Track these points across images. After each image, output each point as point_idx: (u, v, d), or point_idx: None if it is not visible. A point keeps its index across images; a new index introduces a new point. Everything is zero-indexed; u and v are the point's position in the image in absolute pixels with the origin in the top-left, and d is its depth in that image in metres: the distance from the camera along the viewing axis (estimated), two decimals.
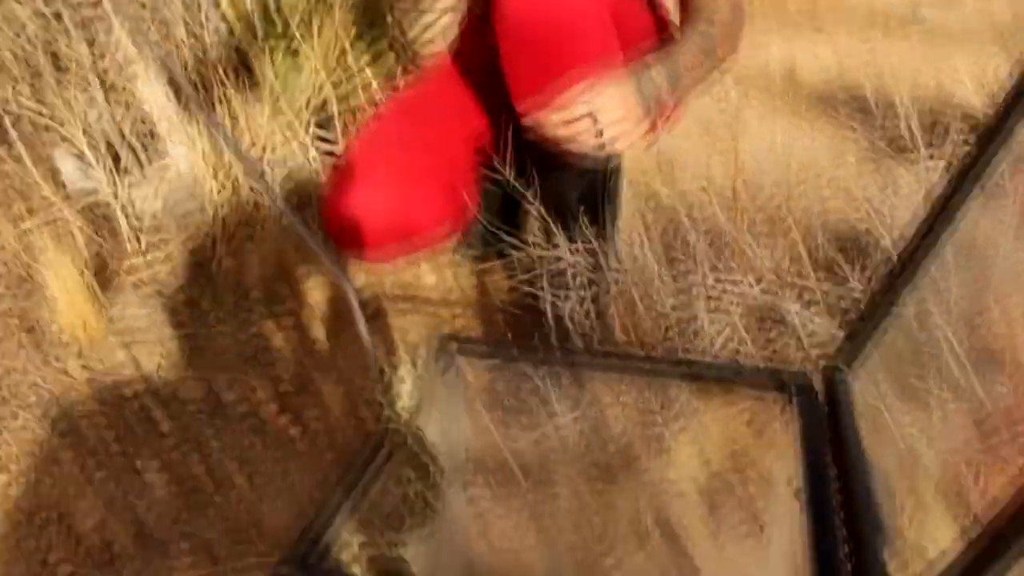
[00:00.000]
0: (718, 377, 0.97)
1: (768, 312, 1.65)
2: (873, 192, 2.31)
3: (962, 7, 4.52)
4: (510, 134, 1.46)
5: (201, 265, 2.12)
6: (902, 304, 0.97)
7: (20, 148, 2.27)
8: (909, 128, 2.16)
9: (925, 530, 1.30)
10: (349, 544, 0.72)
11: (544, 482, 1.35)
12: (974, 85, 3.07)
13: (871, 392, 1.05)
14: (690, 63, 1.41)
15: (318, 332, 1.94)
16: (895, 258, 0.98)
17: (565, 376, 1.22)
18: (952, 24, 4.15)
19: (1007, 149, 0.80)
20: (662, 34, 1.57)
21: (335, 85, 2.32)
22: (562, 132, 1.30)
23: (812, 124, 2.98)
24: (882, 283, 0.94)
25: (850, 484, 0.75)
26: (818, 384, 0.95)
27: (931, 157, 2.12)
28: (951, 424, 1.32)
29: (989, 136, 0.79)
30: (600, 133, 1.29)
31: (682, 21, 1.51)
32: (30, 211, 2.15)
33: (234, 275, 2.10)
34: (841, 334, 1.51)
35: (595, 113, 1.27)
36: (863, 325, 0.96)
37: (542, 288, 1.50)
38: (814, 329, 1.47)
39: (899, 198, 2.11)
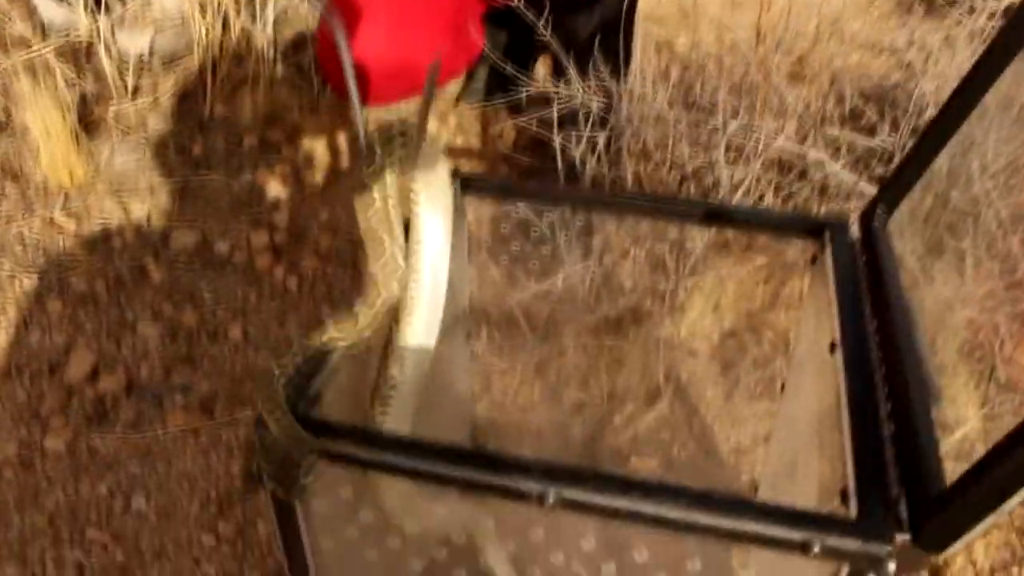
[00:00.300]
0: (748, 223, 0.89)
1: (789, 165, 1.56)
2: (902, 45, 2.17)
3: None
4: None
5: (191, 110, 2.01)
6: (942, 157, 0.89)
7: None
8: None
9: (950, 391, 1.24)
10: (341, 391, 0.66)
11: (551, 335, 1.29)
12: None
13: (908, 245, 0.97)
14: None
15: (314, 180, 1.85)
16: (934, 110, 0.89)
17: (575, 223, 1.14)
18: None
19: None
20: None
21: None
22: None
23: None
24: (923, 134, 0.84)
25: (892, 337, 0.68)
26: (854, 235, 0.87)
27: (971, 11, 1.99)
28: (984, 283, 1.25)
29: None
30: None
31: None
32: (5, 51, 2.02)
33: (226, 121, 1.99)
34: (868, 187, 1.42)
35: None
36: (902, 175, 0.87)
37: (553, 130, 1.39)
38: (841, 180, 1.38)
39: (933, 53, 1.98)
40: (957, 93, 0.80)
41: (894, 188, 0.87)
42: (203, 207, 1.78)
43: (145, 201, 1.78)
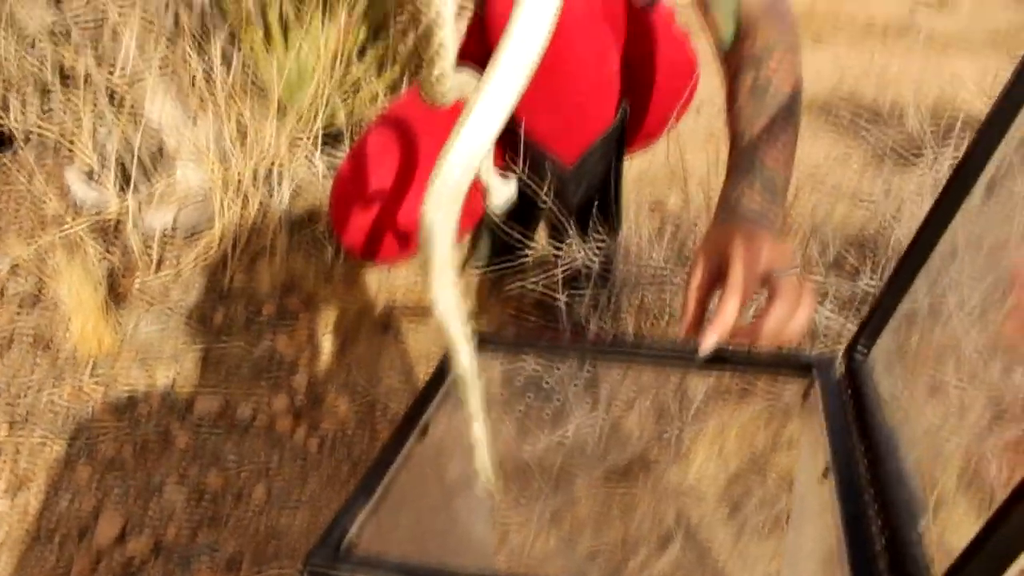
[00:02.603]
0: (742, 364, 0.97)
1: None
2: (879, 195, 2.32)
3: (958, 13, 4.56)
4: (520, 136, 1.47)
5: (213, 281, 2.13)
6: (916, 292, 0.98)
7: (31, 165, 2.28)
8: (919, 128, 2.16)
9: (949, 523, 1.30)
10: (386, 529, 0.72)
11: (564, 485, 1.35)
12: (976, 89, 3.09)
13: (890, 379, 1.05)
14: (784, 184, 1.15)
15: (330, 345, 1.95)
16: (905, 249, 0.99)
17: (582, 377, 1.22)
18: (949, 29, 4.19)
19: (1006, 143, 0.81)
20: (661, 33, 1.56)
21: (342, 98, 2.33)
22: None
23: (815, 133, 3.00)
24: (895, 270, 0.94)
25: (879, 462, 0.76)
26: (839, 370, 0.95)
27: (935, 159, 2.14)
28: (971, 414, 1.32)
29: (988, 130, 0.80)
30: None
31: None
32: (42, 228, 2.15)
33: (246, 291, 2.10)
34: (855, 328, 1.51)
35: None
36: (876, 312, 0.96)
37: (556, 289, 1.50)
38: (828, 324, 1.47)
39: (906, 199, 2.12)
40: (922, 229, 0.89)
41: (871, 325, 0.96)
42: (225, 373, 1.86)
43: (170, 368, 1.87)
